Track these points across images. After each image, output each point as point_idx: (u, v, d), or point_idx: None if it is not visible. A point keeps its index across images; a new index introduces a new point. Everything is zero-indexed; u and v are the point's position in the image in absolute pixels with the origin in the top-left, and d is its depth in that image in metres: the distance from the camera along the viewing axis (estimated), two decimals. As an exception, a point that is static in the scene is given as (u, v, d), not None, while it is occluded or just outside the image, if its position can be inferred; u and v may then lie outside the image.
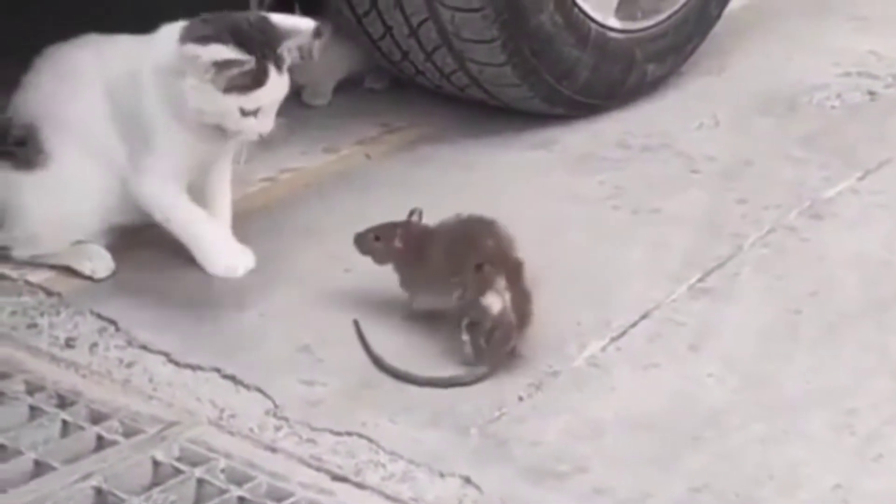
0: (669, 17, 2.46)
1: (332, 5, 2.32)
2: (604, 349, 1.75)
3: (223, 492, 1.48)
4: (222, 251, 1.90)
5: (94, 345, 1.75)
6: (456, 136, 2.38)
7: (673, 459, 1.54)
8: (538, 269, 1.91)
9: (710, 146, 2.33)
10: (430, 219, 2.01)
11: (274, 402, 1.63)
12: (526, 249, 1.97)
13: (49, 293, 1.85)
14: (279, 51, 1.80)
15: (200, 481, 1.49)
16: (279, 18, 1.82)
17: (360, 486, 1.50)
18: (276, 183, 2.20)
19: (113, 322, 1.79)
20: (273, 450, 1.56)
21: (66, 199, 1.87)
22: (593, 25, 2.33)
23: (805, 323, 1.81)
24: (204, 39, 1.76)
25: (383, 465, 1.53)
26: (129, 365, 1.71)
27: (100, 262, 1.89)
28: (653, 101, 2.50)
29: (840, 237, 2.03)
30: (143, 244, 1.96)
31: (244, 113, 1.79)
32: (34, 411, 1.61)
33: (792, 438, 1.57)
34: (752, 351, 1.75)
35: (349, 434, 1.58)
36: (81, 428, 1.58)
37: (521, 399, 1.64)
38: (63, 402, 1.62)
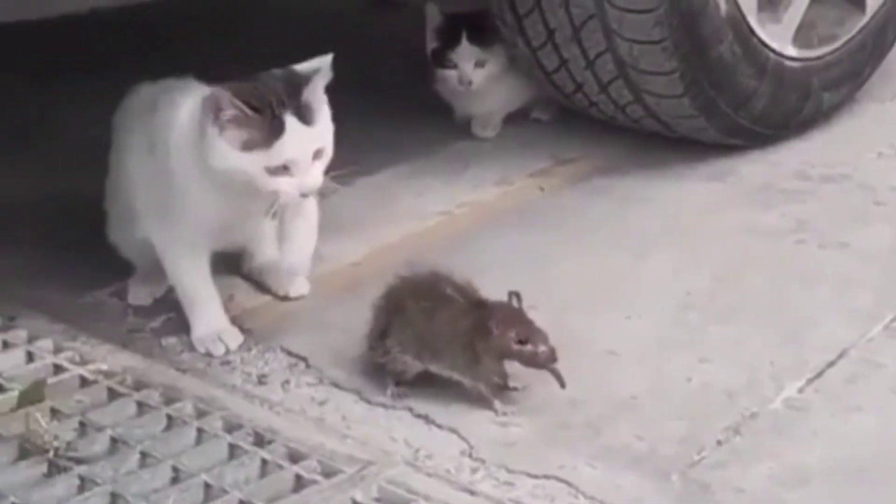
0: (846, 43, 2.42)
1: (508, 38, 2.31)
2: (801, 391, 1.70)
3: (425, 534, 1.48)
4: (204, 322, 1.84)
5: (286, 382, 1.76)
6: (628, 168, 2.35)
7: (886, 509, 1.49)
8: (724, 305, 1.89)
9: (892, 176, 2.27)
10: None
11: (468, 442, 1.62)
12: (711, 285, 1.96)
13: (240, 330, 1.85)
14: (302, 98, 1.67)
15: (401, 523, 1.49)
16: (301, 66, 1.70)
17: (561, 530, 1.49)
18: (453, 217, 2.20)
19: (303, 358, 1.80)
20: (472, 492, 1.54)
21: None
22: (771, 54, 2.29)
23: None
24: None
25: (583, 510, 1.51)
26: (322, 403, 1.72)
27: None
28: (828, 129, 2.45)
29: None
30: (330, 280, 1.97)
31: (271, 171, 1.67)
32: (234, 449, 1.62)
33: None
34: (957, 394, 1.69)
35: (547, 477, 1.56)
36: (280, 467, 1.58)
37: (719, 443, 1.61)
38: (261, 441, 1.63)
